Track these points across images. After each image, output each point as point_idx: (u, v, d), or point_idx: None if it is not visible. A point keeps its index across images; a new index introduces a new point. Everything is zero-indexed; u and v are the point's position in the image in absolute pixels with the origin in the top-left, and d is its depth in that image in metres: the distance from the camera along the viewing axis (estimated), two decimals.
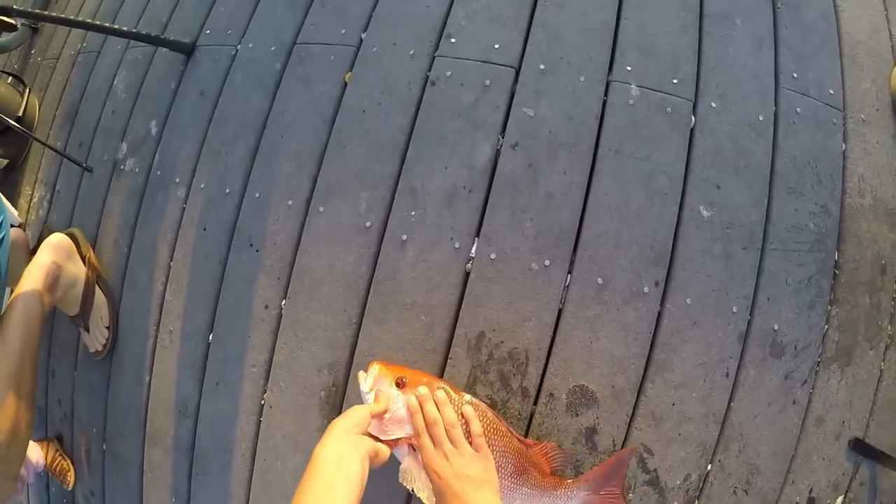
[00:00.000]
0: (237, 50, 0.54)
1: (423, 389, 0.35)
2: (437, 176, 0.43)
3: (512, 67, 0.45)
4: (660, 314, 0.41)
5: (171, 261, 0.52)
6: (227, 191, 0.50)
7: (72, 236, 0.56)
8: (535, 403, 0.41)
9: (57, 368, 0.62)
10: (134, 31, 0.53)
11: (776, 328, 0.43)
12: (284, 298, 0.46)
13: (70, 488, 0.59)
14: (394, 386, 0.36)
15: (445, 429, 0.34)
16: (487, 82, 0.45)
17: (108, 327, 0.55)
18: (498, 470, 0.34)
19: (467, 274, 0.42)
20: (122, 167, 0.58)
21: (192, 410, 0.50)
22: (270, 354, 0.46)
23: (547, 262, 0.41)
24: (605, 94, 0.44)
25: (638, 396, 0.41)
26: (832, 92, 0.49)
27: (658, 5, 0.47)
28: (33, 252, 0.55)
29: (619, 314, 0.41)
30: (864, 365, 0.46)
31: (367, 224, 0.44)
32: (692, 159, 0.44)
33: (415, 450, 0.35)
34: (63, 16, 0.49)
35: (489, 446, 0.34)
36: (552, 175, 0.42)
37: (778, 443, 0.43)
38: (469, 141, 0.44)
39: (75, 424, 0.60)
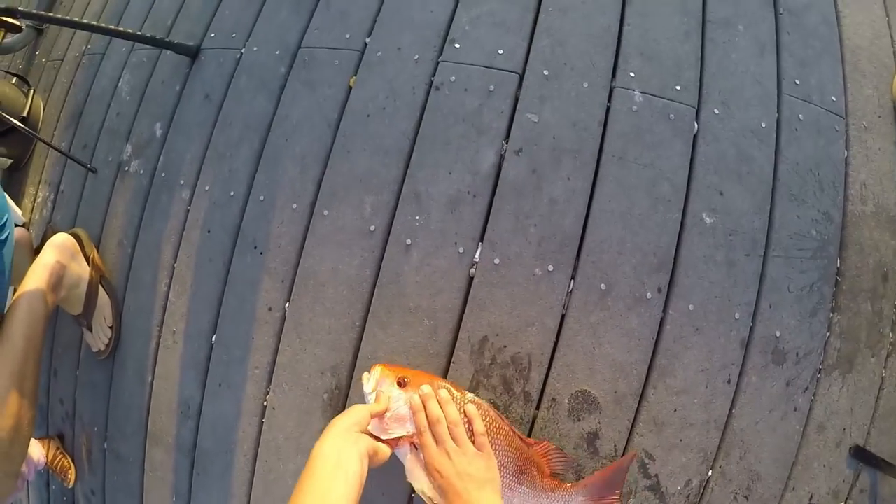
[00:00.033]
0: (242, 53, 0.55)
1: (426, 388, 0.35)
2: (441, 181, 0.44)
3: (516, 73, 0.45)
4: (662, 320, 0.42)
5: (175, 262, 0.52)
6: (232, 193, 0.50)
7: (76, 236, 0.57)
8: (538, 408, 0.41)
9: (59, 367, 0.62)
10: (139, 33, 0.53)
11: (778, 335, 0.43)
12: (288, 301, 0.46)
13: (70, 486, 0.60)
14: (395, 386, 0.36)
15: (448, 427, 0.34)
16: (491, 88, 0.45)
17: (111, 327, 0.55)
18: (499, 468, 0.34)
19: (471, 279, 0.42)
20: (126, 168, 0.58)
21: (195, 411, 0.50)
22: (273, 356, 0.46)
23: (550, 268, 0.42)
24: (609, 100, 0.45)
25: (640, 402, 0.41)
26: (834, 98, 0.49)
27: (661, 11, 0.48)
28: (37, 251, 0.55)
29: (621, 320, 0.41)
30: (865, 372, 0.46)
31: (372, 228, 0.44)
32: (695, 166, 0.44)
33: (417, 448, 0.35)
34: (68, 17, 0.50)
35: (491, 445, 0.34)
36: (556, 181, 0.43)
37: (779, 449, 0.43)
38: (473, 146, 0.44)
39: (76, 423, 0.60)
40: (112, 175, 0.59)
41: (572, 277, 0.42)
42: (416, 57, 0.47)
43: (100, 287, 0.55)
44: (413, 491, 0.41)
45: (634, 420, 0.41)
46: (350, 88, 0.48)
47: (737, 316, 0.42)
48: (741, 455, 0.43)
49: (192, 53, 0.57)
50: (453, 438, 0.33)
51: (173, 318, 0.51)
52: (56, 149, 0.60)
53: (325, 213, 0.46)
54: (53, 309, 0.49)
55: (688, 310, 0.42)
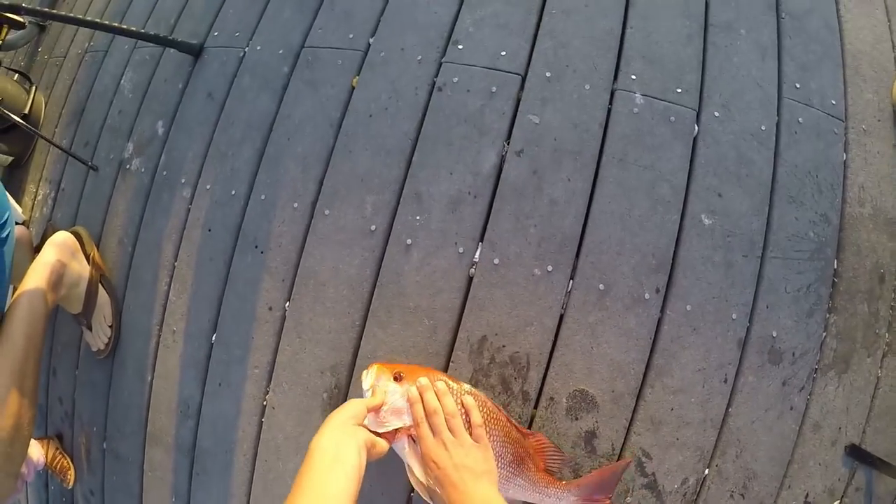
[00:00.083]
0: (245, 52, 0.55)
1: (423, 380, 0.35)
2: (442, 181, 0.44)
3: (518, 74, 0.46)
4: (660, 320, 0.42)
5: (176, 261, 0.52)
6: (233, 192, 0.50)
7: (76, 235, 0.57)
8: (536, 407, 0.41)
9: (58, 366, 0.62)
10: (142, 31, 0.53)
11: (775, 335, 0.44)
12: (288, 300, 0.46)
13: (70, 487, 0.60)
14: (392, 380, 0.36)
15: (445, 418, 0.34)
16: (494, 89, 0.45)
17: (110, 326, 0.55)
18: (496, 459, 0.34)
19: (471, 279, 0.42)
20: (128, 167, 0.58)
21: (194, 410, 0.50)
22: (273, 356, 0.46)
23: (550, 268, 0.42)
24: (610, 103, 0.45)
25: (637, 401, 0.41)
26: (834, 102, 0.49)
27: (663, 14, 0.48)
28: (37, 249, 0.55)
29: (619, 320, 0.42)
30: (861, 372, 0.46)
31: (372, 228, 0.45)
32: (695, 168, 0.44)
33: (415, 441, 0.35)
34: (71, 14, 0.49)
35: (488, 436, 0.35)
36: (556, 182, 0.43)
37: (775, 448, 0.44)
38: (475, 147, 0.44)
39: (76, 423, 0.60)
40: (113, 173, 0.59)
41: (571, 278, 0.42)
42: (419, 58, 0.48)
43: (100, 286, 0.55)
44: (412, 490, 0.41)
45: (632, 419, 0.41)
46: (353, 88, 0.48)
47: (734, 316, 0.43)
48: (737, 453, 0.43)
49: (196, 52, 0.57)
50: (450, 430, 0.33)
51: (173, 317, 0.52)
52: (57, 146, 0.60)
53: (327, 212, 0.46)
54: (53, 307, 0.49)
55: (685, 310, 0.42)
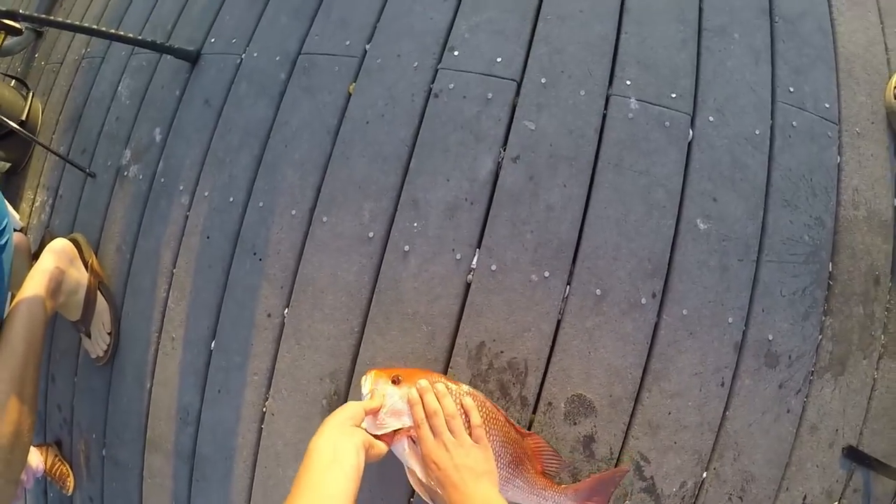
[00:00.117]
0: (242, 59, 0.55)
1: (423, 382, 0.36)
2: (439, 188, 0.44)
3: (514, 81, 0.46)
4: (657, 325, 0.42)
5: (174, 268, 0.52)
6: (231, 199, 0.51)
7: (74, 242, 0.57)
8: (534, 412, 0.42)
9: (57, 373, 0.62)
10: (139, 38, 0.53)
11: (771, 338, 0.44)
12: (287, 307, 0.46)
13: (69, 493, 0.59)
14: (390, 384, 0.36)
15: (445, 419, 0.34)
16: (490, 95, 0.45)
17: (109, 333, 0.55)
18: (496, 460, 0.35)
19: (468, 285, 0.43)
20: (125, 173, 0.58)
21: (194, 417, 0.50)
22: (273, 362, 0.47)
23: (546, 274, 0.42)
24: (605, 108, 0.45)
25: (635, 405, 0.42)
26: (828, 105, 0.50)
27: (658, 19, 0.48)
28: (35, 256, 0.55)
29: (616, 325, 0.42)
30: (857, 374, 0.47)
31: (370, 234, 0.45)
32: (689, 172, 0.44)
33: (415, 442, 0.35)
34: (68, 21, 0.50)
35: (488, 436, 0.35)
36: (552, 188, 0.43)
37: (772, 451, 0.44)
38: (471, 153, 0.44)
39: (75, 430, 0.60)
40: (111, 180, 0.59)
41: (568, 283, 0.42)
42: (416, 64, 0.48)
43: (98, 293, 0.55)
44: (412, 496, 0.42)
45: (630, 423, 0.42)
46: (349, 95, 0.49)
47: (730, 320, 0.43)
48: (735, 456, 0.43)
49: (192, 58, 0.57)
50: (451, 431, 0.34)
51: (172, 324, 0.52)
52: (55, 153, 0.60)
53: (325, 219, 0.46)
54: (52, 315, 0.49)
55: (682, 314, 0.42)
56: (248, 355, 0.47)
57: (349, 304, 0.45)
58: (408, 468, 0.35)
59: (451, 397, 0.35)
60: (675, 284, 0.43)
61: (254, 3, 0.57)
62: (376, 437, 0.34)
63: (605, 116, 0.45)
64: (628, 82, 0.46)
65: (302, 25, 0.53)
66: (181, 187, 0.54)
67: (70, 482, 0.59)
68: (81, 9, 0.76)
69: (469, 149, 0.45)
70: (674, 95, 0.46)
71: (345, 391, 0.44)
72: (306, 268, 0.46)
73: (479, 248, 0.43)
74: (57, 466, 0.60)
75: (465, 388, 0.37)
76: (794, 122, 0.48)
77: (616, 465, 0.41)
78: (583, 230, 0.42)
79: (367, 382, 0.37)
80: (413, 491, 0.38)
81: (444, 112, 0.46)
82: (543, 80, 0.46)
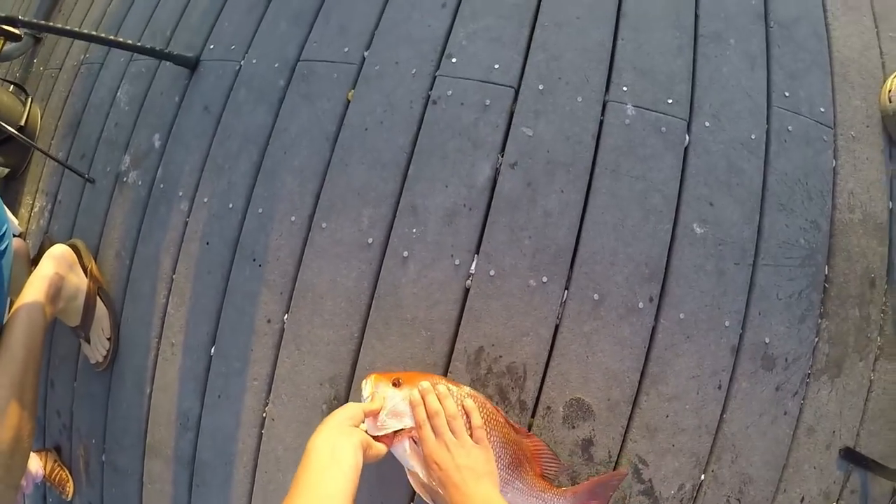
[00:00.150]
0: (241, 65, 0.55)
1: (425, 383, 0.36)
2: (437, 194, 0.44)
3: (511, 87, 0.46)
4: (654, 329, 0.42)
5: (174, 274, 0.52)
6: (231, 206, 0.51)
7: (74, 247, 0.57)
8: (533, 416, 0.42)
9: (56, 379, 0.62)
10: (138, 44, 0.53)
11: (767, 341, 0.44)
12: (287, 313, 0.47)
13: (69, 499, 0.59)
14: (391, 386, 0.36)
15: (446, 420, 0.34)
16: (487, 102, 0.46)
17: (109, 339, 0.55)
18: (496, 461, 0.35)
19: (467, 290, 0.43)
20: (124, 179, 0.58)
21: (194, 423, 0.50)
22: (272, 368, 0.47)
23: (544, 279, 0.42)
24: (602, 114, 0.45)
25: (633, 409, 0.42)
26: (823, 109, 0.50)
27: (654, 26, 0.49)
28: (35, 262, 0.55)
29: (614, 329, 0.42)
30: (853, 376, 0.47)
31: (369, 241, 0.45)
32: (686, 178, 0.45)
33: (416, 443, 0.35)
34: (67, 27, 0.50)
35: (488, 438, 0.35)
36: (550, 194, 0.43)
37: (770, 453, 0.44)
38: (469, 160, 0.45)
39: (74, 435, 0.60)
40: (110, 186, 0.59)
41: (566, 288, 0.42)
42: (414, 71, 0.48)
43: (98, 298, 0.55)
44: (412, 498, 0.42)
45: (628, 426, 0.42)
46: (348, 102, 0.49)
47: (727, 323, 0.43)
48: (733, 459, 0.43)
49: (192, 65, 0.57)
50: (452, 431, 0.34)
51: (172, 330, 0.52)
52: (54, 158, 0.60)
53: (324, 225, 0.47)
54: (52, 320, 0.49)
55: (679, 318, 0.43)
56: (248, 361, 0.47)
57: (349, 310, 0.45)
58: (408, 470, 0.35)
59: (452, 398, 0.36)
60: (672, 289, 0.43)
61: (253, 10, 0.57)
62: (376, 438, 0.34)
63: (601, 122, 0.45)
64: (625, 88, 0.46)
65: (301, 32, 0.53)
66: (180, 193, 0.54)
67: (69, 487, 0.59)
68: (80, 14, 0.76)
69: (467, 155, 0.45)
70: (670, 101, 0.46)
71: (345, 396, 0.44)
72: (306, 274, 0.46)
73: (477, 253, 0.43)
74: (56, 472, 0.60)
75: (466, 389, 0.38)
76: (789, 127, 0.48)
77: (614, 468, 0.42)
78: (580, 235, 0.43)
79: (368, 386, 0.37)
80: (413, 492, 0.38)
81: (443, 119, 0.46)
82: (541, 87, 0.46)
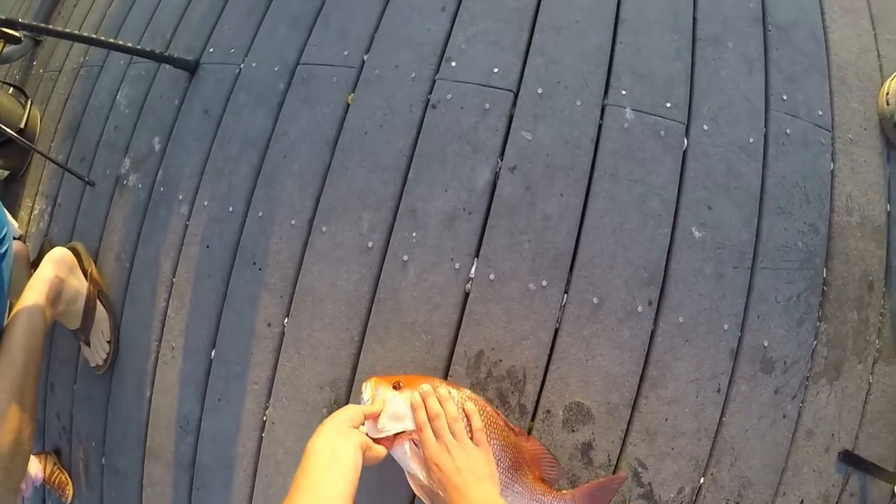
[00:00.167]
0: (241, 69, 0.55)
1: (426, 386, 0.36)
2: (437, 198, 0.44)
3: (511, 91, 0.46)
4: (653, 332, 0.43)
5: (174, 277, 0.53)
6: (231, 209, 0.51)
7: (74, 250, 0.57)
8: (533, 420, 0.42)
9: (56, 382, 0.62)
10: (137, 47, 0.53)
11: (766, 344, 0.44)
12: (287, 316, 0.47)
13: (68, 502, 0.59)
14: (391, 389, 0.37)
15: (447, 423, 0.34)
16: (487, 106, 0.46)
17: (109, 342, 0.55)
18: (496, 464, 0.35)
19: (467, 294, 0.43)
20: (124, 182, 0.58)
21: (194, 426, 0.50)
22: (273, 371, 0.47)
23: (544, 283, 0.43)
24: (601, 118, 0.46)
25: (632, 412, 0.42)
26: (821, 113, 0.50)
27: (652, 29, 0.49)
28: (34, 265, 0.55)
29: (613, 333, 0.42)
30: (852, 378, 0.47)
31: (370, 244, 0.45)
32: (684, 181, 0.45)
33: (417, 446, 0.35)
34: (67, 30, 0.50)
35: (488, 440, 0.35)
36: (549, 197, 0.44)
37: (769, 456, 0.44)
38: (469, 164, 0.45)
39: (74, 438, 0.60)
40: (110, 189, 0.59)
41: (565, 292, 0.43)
42: (413, 75, 0.48)
43: (98, 301, 0.55)
44: (413, 500, 0.42)
45: (627, 430, 0.42)
46: (348, 105, 0.49)
47: (725, 327, 0.44)
48: (732, 462, 0.44)
49: (191, 68, 0.57)
50: (452, 434, 0.34)
51: (172, 334, 0.52)
52: (53, 161, 0.60)
53: (324, 229, 0.47)
54: (52, 323, 0.49)
55: (678, 322, 0.43)
56: (249, 364, 0.47)
57: (349, 314, 0.45)
58: (408, 472, 0.36)
59: (453, 401, 0.36)
60: (670, 292, 0.43)
61: (252, 13, 0.57)
62: (376, 440, 0.34)
63: (600, 126, 0.45)
64: (624, 92, 0.46)
65: (300, 35, 0.54)
66: (180, 196, 0.54)
67: (69, 490, 0.59)
68: (80, 17, 0.76)
69: (467, 159, 0.45)
70: (668, 105, 0.46)
71: (345, 400, 0.44)
72: (306, 277, 0.46)
73: (477, 257, 0.43)
74: (56, 475, 0.60)
75: (467, 392, 0.38)
76: (787, 130, 0.49)
77: (614, 472, 0.42)
78: (579, 239, 0.43)
79: (368, 389, 0.37)
80: (413, 495, 0.38)
81: (442, 123, 0.46)
82: (540, 91, 0.46)
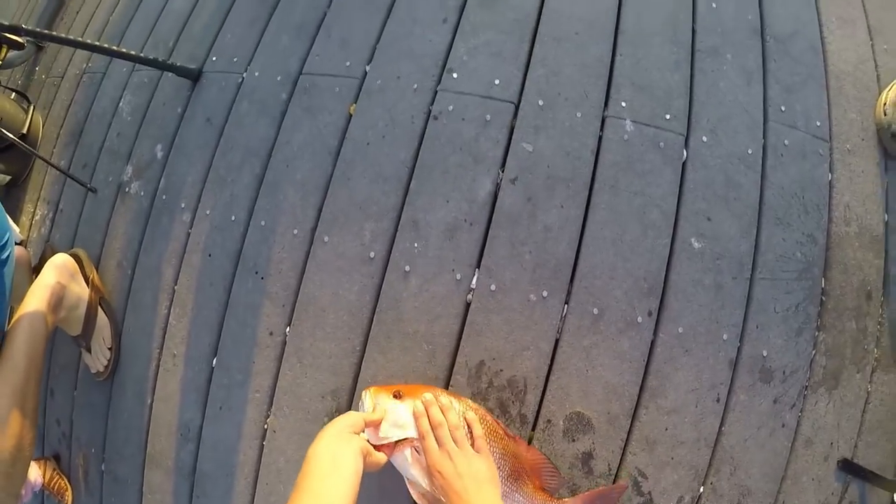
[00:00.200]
0: (243, 78, 0.55)
1: (428, 395, 0.37)
2: (439, 209, 0.45)
3: (511, 103, 0.47)
4: (653, 343, 0.43)
5: (176, 285, 0.53)
6: (233, 218, 0.51)
7: (76, 257, 0.57)
8: (534, 429, 0.42)
9: (56, 387, 0.62)
10: (140, 55, 0.54)
11: (765, 354, 0.45)
12: (289, 326, 0.47)
13: None
14: (392, 398, 0.37)
15: (449, 430, 0.35)
16: (488, 117, 0.46)
17: (110, 348, 0.55)
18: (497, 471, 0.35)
19: (468, 304, 0.43)
20: (127, 189, 0.59)
21: (195, 434, 0.50)
22: (274, 380, 0.47)
23: (545, 294, 0.43)
24: (601, 130, 0.46)
25: (632, 422, 0.42)
26: (819, 123, 0.51)
27: (652, 41, 0.49)
28: (36, 271, 0.56)
29: (613, 343, 0.42)
30: (851, 387, 0.47)
31: (371, 255, 0.45)
32: (684, 192, 0.45)
33: (418, 453, 0.36)
34: (70, 37, 0.50)
35: (489, 449, 0.36)
36: (550, 209, 0.44)
37: (768, 465, 0.45)
38: (470, 175, 0.45)
39: (73, 444, 0.60)
40: (112, 196, 0.59)
41: (566, 302, 0.43)
42: (415, 86, 0.49)
43: (99, 308, 0.55)
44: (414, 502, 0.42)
45: (627, 439, 0.42)
46: (350, 116, 0.49)
47: (725, 337, 0.44)
48: (731, 471, 0.44)
49: (194, 76, 0.58)
50: (454, 441, 0.35)
51: (174, 341, 0.52)
52: (56, 167, 0.60)
53: (326, 239, 0.47)
54: (53, 329, 0.49)
55: (677, 332, 0.43)
56: (250, 373, 0.48)
57: (350, 323, 0.45)
58: (408, 479, 0.36)
59: (454, 410, 0.36)
60: (670, 303, 0.43)
61: (255, 23, 0.58)
62: (376, 447, 0.34)
63: (601, 138, 0.46)
64: (623, 104, 0.47)
65: (303, 45, 0.54)
66: (183, 205, 0.54)
67: (68, 496, 0.59)
68: (82, 24, 0.77)
69: (468, 170, 0.45)
70: (668, 117, 0.47)
71: (346, 409, 0.45)
72: (308, 287, 0.47)
73: (478, 268, 0.44)
74: (55, 480, 0.60)
75: (467, 402, 0.38)
76: (785, 141, 0.49)
77: (614, 481, 0.42)
78: (580, 250, 0.43)
79: (368, 398, 0.37)
80: (413, 502, 0.38)
81: (444, 134, 0.46)
82: (541, 103, 0.46)
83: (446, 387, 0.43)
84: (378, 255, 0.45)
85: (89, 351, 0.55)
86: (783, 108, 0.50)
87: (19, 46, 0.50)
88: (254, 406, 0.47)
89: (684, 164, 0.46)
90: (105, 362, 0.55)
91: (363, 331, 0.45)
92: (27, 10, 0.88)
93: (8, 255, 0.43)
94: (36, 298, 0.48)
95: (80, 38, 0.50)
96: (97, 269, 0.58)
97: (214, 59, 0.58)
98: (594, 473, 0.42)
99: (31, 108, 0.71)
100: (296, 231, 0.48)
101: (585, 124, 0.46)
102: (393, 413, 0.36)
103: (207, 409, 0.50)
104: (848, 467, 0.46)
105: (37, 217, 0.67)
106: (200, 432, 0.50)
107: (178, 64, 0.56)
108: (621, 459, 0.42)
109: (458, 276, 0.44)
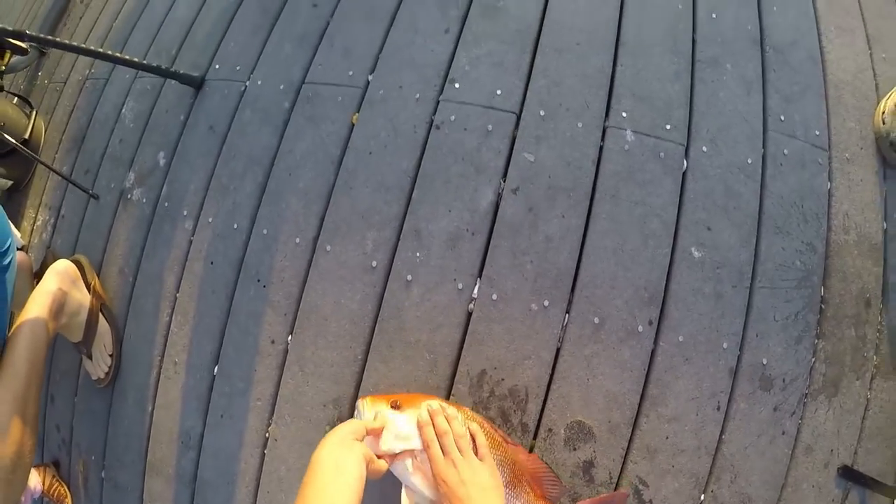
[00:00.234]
0: (246, 86, 0.56)
1: (434, 404, 0.37)
2: (441, 218, 0.45)
3: (513, 113, 0.47)
4: (653, 352, 0.43)
5: (178, 292, 0.53)
6: (235, 226, 0.51)
7: (77, 263, 0.57)
8: (535, 438, 0.42)
9: (56, 394, 0.62)
10: (143, 62, 0.54)
11: (765, 362, 0.45)
12: (291, 334, 0.47)
13: None
14: (390, 408, 0.37)
15: (454, 439, 0.35)
16: (490, 127, 0.47)
17: (111, 355, 0.55)
18: None
19: (470, 314, 0.43)
20: (129, 196, 0.59)
21: (196, 441, 0.50)
22: (276, 389, 0.47)
23: (546, 303, 0.43)
24: (602, 140, 0.46)
25: (633, 430, 0.42)
26: (818, 133, 0.51)
27: (652, 52, 0.50)
28: (37, 276, 0.56)
29: (614, 352, 0.43)
30: (850, 395, 0.48)
31: (374, 264, 0.46)
32: (684, 202, 0.46)
33: (418, 461, 0.36)
34: (74, 43, 0.50)
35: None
36: (551, 219, 0.44)
37: (768, 472, 0.45)
38: (472, 185, 0.45)
39: (73, 451, 0.60)
40: (114, 202, 0.60)
41: (567, 312, 0.43)
42: (417, 96, 0.49)
43: (100, 315, 0.55)
44: None
45: (628, 448, 0.42)
46: (353, 125, 0.50)
47: (725, 345, 0.44)
48: (732, 479, 0.44)
49: (197, 84, 0.58)
50: (459, 450, 0.35)
51: (175, 349, 0.52)
52: (58, 173, 0.60)
53: (328, 248, 0.47)
54: (54, 336, 0.49)
55: (678, 341, 0.43)
56: (252, 381, 0.48)
57: (352, 332, 0.45)
58: (405, 488, 0.36)
59: (459, 420, 0.37)
60: (670, 312, 0.44)
61: (258, 31, 0.58)
62: (377, 456, 0.35)
63: (601, 148, 0.46)
64: (624, 114, 0.47)
65: (306, 54, 0.54)
66: (185, 212, 0.54)
67: (68, 503, 0.59)
68: (85, 30, 0.77)
69: (470, 180, 0.46)
70: (668, 127, 0.47)
71: (348, 417, 0.45)
72: (310, 295, 0.47)
73: (480, 277, 0.44)
74: (55, 487, 0.60)
75: (466, 410, 0.39)
76: (785, 150, 0.49)
77: (615, 490, 0.42)
78: (581, 260, 0.44)
79: (366, 407, 0.37)
80: None
81: (446, 143, 0.47)
82: (542, 113, 0.47)
83: (448, 396, 0.43)
84: (380, 264, 0.45)
85: (90, 357, 0.55)
86: (782, 118, 0.50)
87: (23, 52, 0.50)
88: (255, 414, 0.48)
89: (684, 173, 0.46)
90: (106, 369, 0.55)
91: (365, 340, 0.45)
92: (30, 15, 0.89)
93: (9, 261, 0.43)
94: (37, 304, 0.48)
95: (83, 45, 0.50)
96: (99, 275, 0.58)
97: (217, 67, 0.59)
98: (595, 482, 0.42)
99: (34, 113, 0.71)
100: (298, 240, 0.48)
101: (586, 134, 0.46)
102: (394, 425, 0.36)
103: (209, 416, 0.50)
104: (848, 474, 0.47)
105: (38, 223, 0.68)
106: (201, 440, 0.50)
107: (181, 71, 0.56)
108: (622, 468, 0.42)
109: (460, 286, 0.44)
